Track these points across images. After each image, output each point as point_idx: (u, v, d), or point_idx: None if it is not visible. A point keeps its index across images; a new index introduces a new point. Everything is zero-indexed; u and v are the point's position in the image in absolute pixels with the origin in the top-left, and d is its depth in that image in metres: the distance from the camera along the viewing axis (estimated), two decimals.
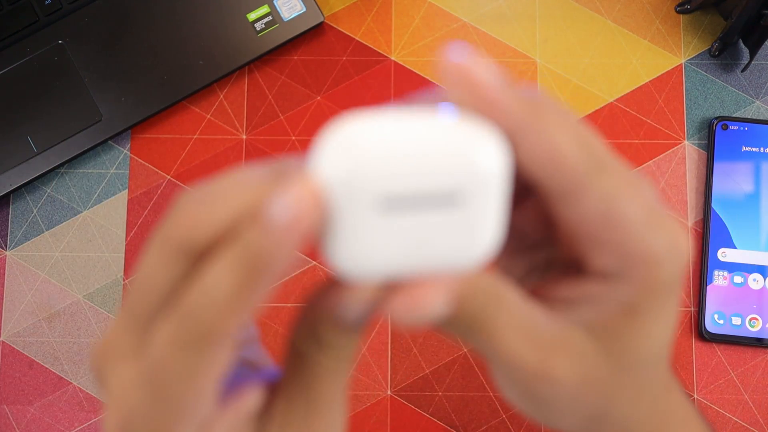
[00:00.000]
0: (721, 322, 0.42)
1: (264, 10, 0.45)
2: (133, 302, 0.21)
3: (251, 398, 0.23)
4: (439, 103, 0.22)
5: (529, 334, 0.22)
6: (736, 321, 0.42)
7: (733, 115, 0.45)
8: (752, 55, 0.43)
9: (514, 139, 0.20)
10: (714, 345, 0.43)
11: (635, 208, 0.21)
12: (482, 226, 0.20)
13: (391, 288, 0.21)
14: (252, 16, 0.45)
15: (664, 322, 0.22)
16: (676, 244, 0.21)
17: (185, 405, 0.20)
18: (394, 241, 0.20)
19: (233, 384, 0.23)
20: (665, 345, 0.23)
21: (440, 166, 0.19)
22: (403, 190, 0.19)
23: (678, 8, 0.46)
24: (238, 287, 0.19)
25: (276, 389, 0.23)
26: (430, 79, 0.46)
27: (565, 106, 0.22)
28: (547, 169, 0.20)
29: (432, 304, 0.20)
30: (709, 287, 0.43)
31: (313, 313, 0.22)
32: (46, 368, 0.43)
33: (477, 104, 0.20)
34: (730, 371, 0.42)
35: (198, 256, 0.20)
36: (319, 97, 0.45)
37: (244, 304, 0.20)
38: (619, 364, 0.23)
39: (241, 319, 0.20)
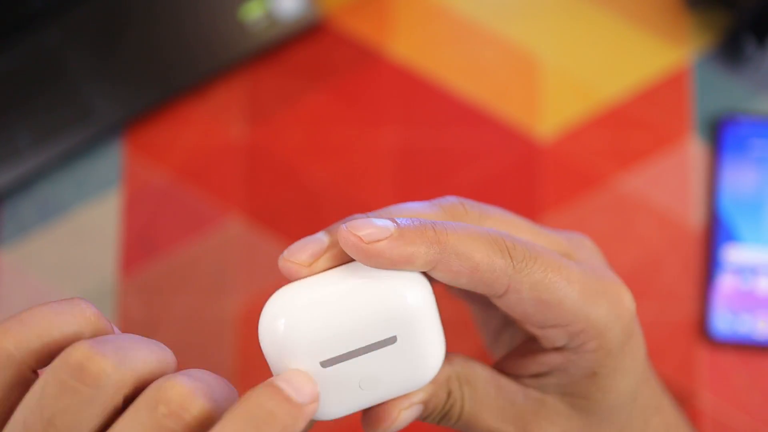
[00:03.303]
0: (729, 323, 0.41)
1: (261, 7, 0.45)
2: None
3: None
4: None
5: (505, 411, 0.24)
6: (745, 322, 0.41)
7: (742, 110, 0.44)
8: (762, 48, 0.42)
9: (437, 268, 0.22)
10: (721, 348, 0.42)
11: (567, 288, 0.23)
12: (425, 350, 0.22)
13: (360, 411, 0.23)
14: (248, 12, 0.45)
15: (628, 373, 0.24)
16: (617, 306, 0.23)
17: None
18: (344, 386, 0.22)
19: None
20: (634, 387, 0.25)
21: (369, 321, 0.21)
22: (338, 351, 0.21)
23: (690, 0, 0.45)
24: None
25: None
26: (429, 78, 0.45)
27: (475, 214, 0.24)
28: (474, 281, 0.22)
29: (400, 418, 0.23)
30: (716, 288, 0.42)
31: None
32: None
33: (380, 262, 0.21)
34: (738, 375, 0.42)
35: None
36: (317, 95, 0.45)
37: None
38: (594, 418, 0.25)
39: None
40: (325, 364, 0.22)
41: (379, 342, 0.22)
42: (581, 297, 0.23)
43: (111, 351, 0.19)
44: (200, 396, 0.19)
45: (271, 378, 0.21)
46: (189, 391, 0.19)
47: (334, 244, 0.23)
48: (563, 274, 0.23)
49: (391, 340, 0.22)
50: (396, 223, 0.21)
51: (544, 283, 0.22)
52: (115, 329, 0.22)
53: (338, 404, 0.22)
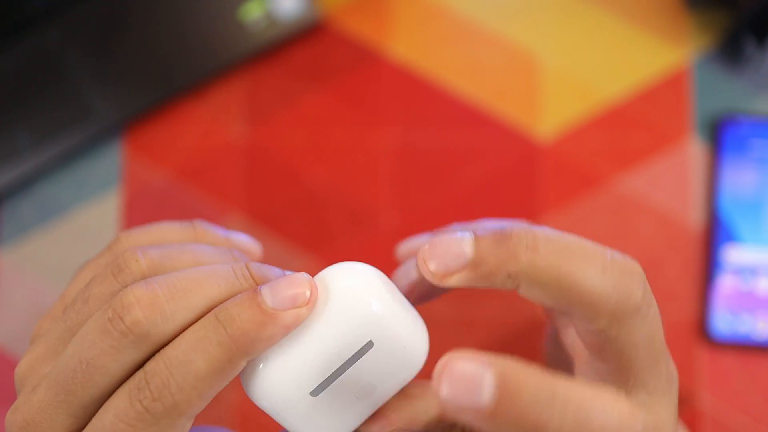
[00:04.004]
0: (729, 324, 0.41)
1: (260, 7, 0.45)
2: (73, 383, 0.20)
3: None
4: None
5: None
6: (745, 323, 0.41)
7: (742, 110, 0.44)
8: (762, 49, 0.42)
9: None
10: (721, 348, 0.42)
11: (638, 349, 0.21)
12: (405, 340, 0.22)
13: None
14: (248, 12, 0.45)
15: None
16: (668, 382, 0.22)
17: None
18: (342, 404, 0.22)
19: None
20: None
21: (338, 339, 0.21)
22: (321, 376, 0.21)
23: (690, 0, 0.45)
24: (219, 363, 0.20)
25: None
26: (429, 78, 0.45)
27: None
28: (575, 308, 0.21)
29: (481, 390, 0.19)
30: (716, 288, 0.42)
31: None
32: None
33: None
34: (738, 375, 0.42)
35: (160, 346, 0.20)
36: (317, 95, 0.45)
37: (218, 384, 0.20)
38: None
39: (211, 396, 0.20)
40: (314, 392, 0.21)
41: (357, 353, 0.21)
42: (648, 367, 0.22)
43: (160, 302, 0.20)
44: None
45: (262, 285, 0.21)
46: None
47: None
48: (654, 340, 0.21)
49: (369, 346, 0.21)
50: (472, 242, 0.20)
51: (634, 342, 0.21)
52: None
53: (344, 423, 0.22)
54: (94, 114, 0.44)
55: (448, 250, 0.21)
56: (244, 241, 0.27)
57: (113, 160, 0.45)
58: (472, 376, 0.18)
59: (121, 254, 0.22)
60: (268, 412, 0.22)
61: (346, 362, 0.21)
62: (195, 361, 0.19)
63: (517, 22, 0.46)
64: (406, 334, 0.22)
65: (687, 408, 0.41)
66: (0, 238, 0.44)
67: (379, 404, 0.23)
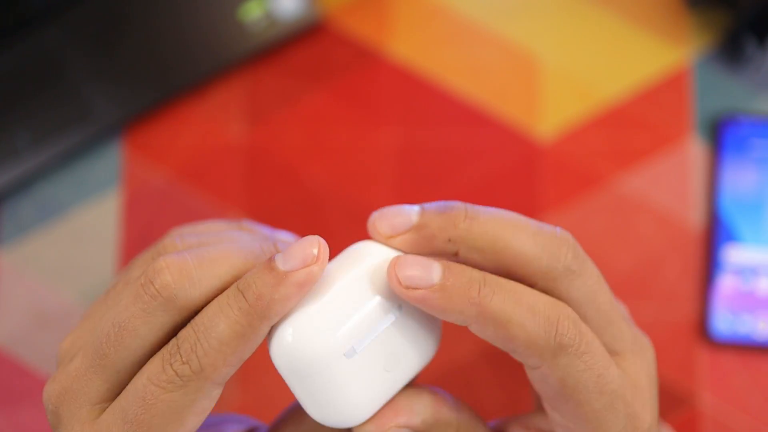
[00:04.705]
0: (729, 324, 0.41)
1: (260, 7, 0.45)
2: (106, 346, 0.22)
3: None
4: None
5: None
6: (745, 323, 0.41)
7: (742, 110, 0.44)
8: (762, 48, 0.42)
9: (470, 327, 0.22)
10: (722, 348, 0.42)
11: (595, 397, 0.22)
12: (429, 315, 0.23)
13: None
14: (248, 12, 0.45)
15: None
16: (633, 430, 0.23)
17: None
18: (373, 373, 0.22)
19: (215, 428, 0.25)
20: None
21: (373, 298, 0.22)
22: (357, 336, 0.22)
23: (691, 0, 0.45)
24: (240, 327, 0.20)
25: None
26: (429, 78, 0.45)
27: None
28: (506, 348, 0.22)
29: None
30: (716, 288, 0.42)
31: None
32: (37, 371, 0.42)
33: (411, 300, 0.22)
34: (739, 375, 0.42)
35: (191, 311, 0.22)
36: (317, 95, 0.45)
37: (242, 349, 0.21)
38: None
39: (236, 363, 0.21)
40: (348, 354, 0.22)
41: (389, 315, 0.22)
42: (604, 410, 0.22)
43: (189, 268, 0.22)
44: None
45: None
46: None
47: (420, 226, 0.23)
48: (600, 381, 0.22)
49: (398, 309, 0.23)
50: (441, 271, 0.22)
51: (576, 382, 0.22)
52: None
53: (372, 397, 0.22)
54: (94, 114, 0.44)
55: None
56: (289, 239, 0.28)
57: (113, 160, 0.45)
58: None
59: (162, 240, 0.24)
60: (294, 377, 0.22)
61: (378, 325, 0.22)
62: (218, 326, 0.20)
63: (517, 22, 0.46)
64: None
65: (687, 408, 0.41)
66: (0, 238, 0.44)
67: (401, 383, 0.23)
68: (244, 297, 0.21)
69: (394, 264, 0.22)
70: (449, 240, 0.23)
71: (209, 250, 0.23)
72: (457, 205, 0.23)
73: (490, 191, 0.44)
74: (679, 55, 0.45)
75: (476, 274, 0.22)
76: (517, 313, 0.21)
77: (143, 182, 0.44)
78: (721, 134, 0.43)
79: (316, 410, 0.22)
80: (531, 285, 0.23)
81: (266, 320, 0.21)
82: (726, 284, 0.42)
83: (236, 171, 0.44)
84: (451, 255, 0.23)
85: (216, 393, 0.21)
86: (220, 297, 0.21)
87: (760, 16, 0.42)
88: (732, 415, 0.41)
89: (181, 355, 0.21)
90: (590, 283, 0.23)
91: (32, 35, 0.45)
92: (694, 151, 0.44)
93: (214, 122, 0.45)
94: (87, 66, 0.44)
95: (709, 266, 0.42)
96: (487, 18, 0.46)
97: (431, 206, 0.23)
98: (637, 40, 0.45)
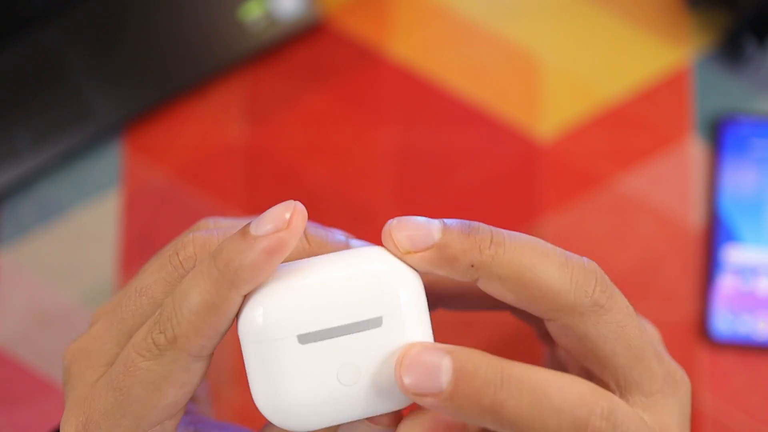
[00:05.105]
0: (729, 324, 0.41)
1: (260, 7, 0.45)
2: (125, 309, 0.22)
3: None
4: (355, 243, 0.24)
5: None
6: (745, 323, 0.41)
7: (742, 110, 0.44)
8: (762, 48, 0.42)
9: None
10: (722, 348, 0.42)
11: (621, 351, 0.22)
12: (410, 340, 0.21)
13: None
14: (248, 12, 0.45)
15: None
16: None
17: (144, 412, 0.21)
18: (322, 374, 0.21)
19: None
20: None
21: (354, 296, 0.21)
22: (317, 325, 0.20)
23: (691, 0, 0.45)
24: (210, 296, 0.20)
25: None
26: (429, 78, 0.45)
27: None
28: (535, 303, 0.22)
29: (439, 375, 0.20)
30: (716, 288, 0.42)
31: None
32: (36, 372, 0.42)
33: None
34: (739, 375, 0.42)
35: None
36: (317, 95, 0.45)
37: (213, 319, 0.20)
38: None
39: (211, 335, 0.20)
40: (302, 339, 0.20)
41: (362, 322, 0.21)
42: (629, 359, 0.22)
43: (213, 243, 0.22)
44: None
45: None
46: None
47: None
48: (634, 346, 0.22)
49: (376, 323, 0.21)
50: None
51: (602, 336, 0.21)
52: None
53: (316, 404, 0.21)
54: (94, 114, 0.44)
55: (417, 229, 0.21)
56: (341, 239, 0.27)
57: (113, 160, 0.45)
58: (432, 363, 0.20)
59: (198, 222, 0.25)
60: (245, 344, 0.21)
61: (346, 325, 0.21)
62: (189, 294, 0.20)
63: (517, 22, 0.46)
64: (415, 335, 0.21)
65: None
66: (0, 238, 0.44)
67: (351, 413, 0.21)
68: (214, 263, 0.20)
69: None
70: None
71: (236, 226, 0.23)
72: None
73: (490, 191, 0.44)
74: (679, 55, 0.45)
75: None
76: (543, 264, 0.21)
77: (143, 182, 0.44)
78: (721, 134, 0.43)
79: (258, 392, 0.21)
80: (553, 319, 0.22)
81: (234, 288, 0.20)
82: (726, 284, 0.42)
83: (236, 171, 0.44)
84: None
85: (196, 367, 0.21)
86: (197, 265, 0.21)
87: (760, 16, 0.42)
88: (732, 415, 0.41)
89: (159, 324, 0.20)
90: (618, 317, 0.22)
91: (32, 35, 0.45)
92: (694, 151, 0.44)
93: (214, 122, 0.45)
94: (87, 66, 0.44)
95: (709, 266, 0.42)
96: (487, 18, 0.46)
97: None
98: (637, 40, 0.45)
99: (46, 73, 0.44)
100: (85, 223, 0.44)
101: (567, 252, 0.22)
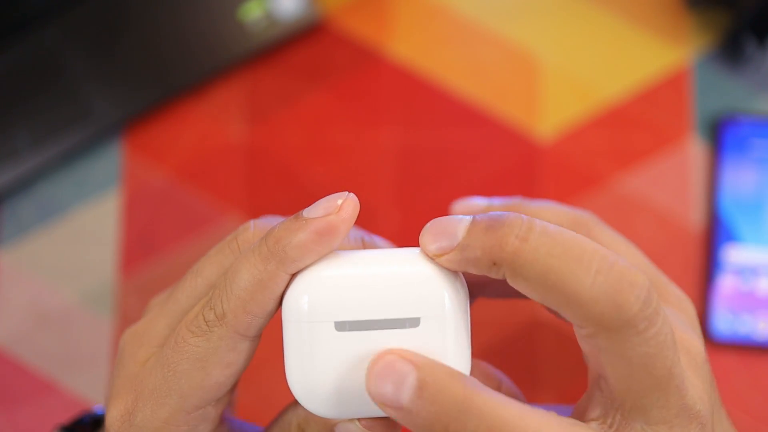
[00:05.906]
0: (730, 324, 0.41)
1: (260, 7, 0.45)
2: (181, 290, 0.23)
3: None
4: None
5: None
6: (745, 323, 0.41)
7: (742, 110, 0.44)
8: (762, 48, 0.42)
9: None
10: (722, 348, 0.42)
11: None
12: (447, 346, 0.21)
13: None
14: (248, 12, 0.45)
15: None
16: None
17: (190, 390, 0.21)
18: (353, 365, 0.21)
19: None
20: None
21: (396, 293, 0.21)
22: (356, 315, 0.21)
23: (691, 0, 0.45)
24: (258, 272, 0.20)
25: None
26: (429, 78, 0.45)
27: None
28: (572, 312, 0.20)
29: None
30: (716, 288, 0.42)
31: None
32: (36, 372, 0.42)
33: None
34: (739, 375, 0.42)
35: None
36: (317, 95, 0.45)
37: (260, 296, 0.21)
38: None
39: (258, 313, 0.21)
40: (339, 326, 0.21)
41: (400, 320, 0.21)
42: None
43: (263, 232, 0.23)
44: None
45: None
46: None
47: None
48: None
49: (414, 323, 0.21)
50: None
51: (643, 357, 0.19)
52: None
53: (340, 391, 0.21)
54: (94, 114, 0.44)
55: (445, 231, 0.21)
56: (382, 243, 0.27)
57: (113, 160, 0.45)
58: (399, 374, 0.19)
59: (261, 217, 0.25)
60: (288, 323, 0.21)
61: (384, 320, 0.21)
62: (240, 271, 0.21)
63: (517, 22, 0.45)
64: (453, 341, 0.21)
65: None
66: (0, 238, 0.44)
67: (373, 407, 0.21)
68: (265, 242, 0.21)
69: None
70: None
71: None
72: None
73: (490, 191, 0.44)
74: (679, 55, 0.45)
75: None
76: (573, 270, 0.19)
77: (143, 182, 0.44)
78: (721, 134, 0.43)
79: (291, 371, 0.21)
80: (578, 325, 0.20)
81: (282, 265, 0.20)
82: (726, 284, 0.42)
83: (236, 171, 0.44)
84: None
85: (242, 347, 0.21)
86: (251, 246, 0.21)
87: (760, 16, 0.42)
88: (732, 415, 0.41)
89: (211, 301, 0.21)
90: (652, 344, 0.19)
91: (32, 35, 0.45)
92: (694, 151, 0.44)
93: (214, 122, 0.45)
94: (87, 66, 0.44)
95: (709, 266, 0.42)
96: (487, 18, 0.46)
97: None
98: (637, 40, 0.45)
99: (46, 73, 0.44)
100: (85, 223, 0.44)
101: (617, 258, 0.19)
